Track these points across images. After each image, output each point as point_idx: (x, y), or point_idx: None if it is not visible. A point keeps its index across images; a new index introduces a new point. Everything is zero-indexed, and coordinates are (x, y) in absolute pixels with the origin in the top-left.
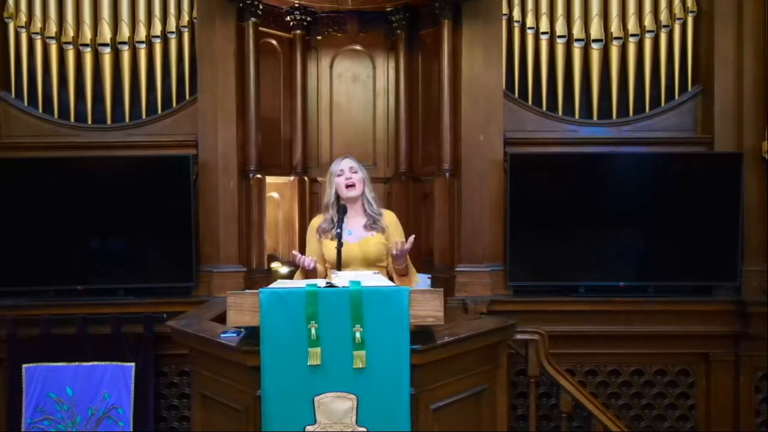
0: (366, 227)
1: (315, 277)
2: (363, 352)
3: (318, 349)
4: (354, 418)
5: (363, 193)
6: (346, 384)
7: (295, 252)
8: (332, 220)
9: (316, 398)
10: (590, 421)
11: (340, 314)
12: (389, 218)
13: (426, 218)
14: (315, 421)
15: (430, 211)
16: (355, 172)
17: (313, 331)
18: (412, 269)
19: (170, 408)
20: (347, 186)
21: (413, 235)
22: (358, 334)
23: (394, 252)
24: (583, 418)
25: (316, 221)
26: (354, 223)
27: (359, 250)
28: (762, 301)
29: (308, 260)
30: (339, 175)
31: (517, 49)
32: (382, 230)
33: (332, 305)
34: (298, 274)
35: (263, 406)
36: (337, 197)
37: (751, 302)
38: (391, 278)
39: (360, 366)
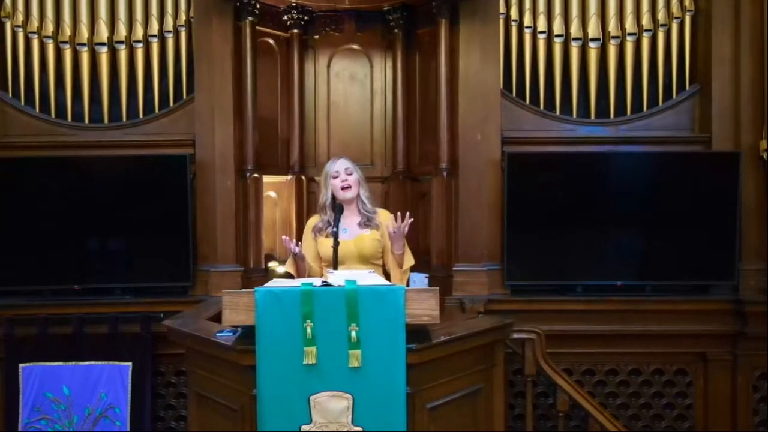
0: (360, 225)
1: (304, 265)
2: (359, 351)
3: (313, 348)
4: (350, 418)
5: (358, 193)
6: (342, 383)
7: (286, 237)
8: (328, 220)
9: (312, 397)
10: (587, 421)
11: (336, 313)
12: (384, 216)
13: (423, 218)
14: (311, 421)
15: (428, 211)
16: (351, 174)
17: (308, 330)
18: (408, 256)
19: (167, 407)
20: (343, 188)
21: (411, 218)
22: (353, 333)
23: (392, 231)
24: (580, 417)
25: (313, 221)
26: (349, 222)
27: (355, 247)
28: (760, 300)
29: (293, 245)
30: (335, 177)
31: (515, 48)
32: (377, 227)
33: (328, 304)
34: (289, 261)
35: (259, 405)
36: (333, 197)
37: (749, 301)
38: (387, 275)
39: (356, 365)
